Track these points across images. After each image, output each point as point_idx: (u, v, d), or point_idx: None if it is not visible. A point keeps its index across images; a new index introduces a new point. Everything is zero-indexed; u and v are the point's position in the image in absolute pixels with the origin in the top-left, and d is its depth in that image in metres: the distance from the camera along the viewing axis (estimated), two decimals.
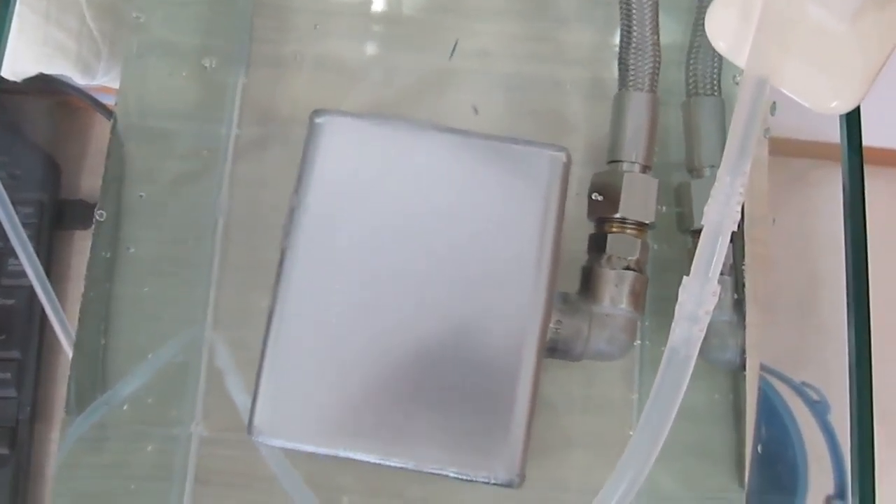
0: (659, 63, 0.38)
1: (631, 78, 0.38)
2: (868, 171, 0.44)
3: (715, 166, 0.38)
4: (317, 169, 0.35)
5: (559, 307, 0.36)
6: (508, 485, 0.33)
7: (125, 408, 0.39)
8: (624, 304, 0.36)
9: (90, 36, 0.38)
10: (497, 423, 0.33)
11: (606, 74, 0.44)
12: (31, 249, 0.40)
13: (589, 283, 0.37)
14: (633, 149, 0.37)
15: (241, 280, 0.43)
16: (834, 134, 0.38)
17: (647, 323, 0.41)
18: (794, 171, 0.47)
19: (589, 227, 0.39)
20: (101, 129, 0.49)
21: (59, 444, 0.36)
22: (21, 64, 0.37)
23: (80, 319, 0.36)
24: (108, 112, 0.44)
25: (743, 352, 0.36)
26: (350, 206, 0.35)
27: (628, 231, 0.37)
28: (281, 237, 0.34)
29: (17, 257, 0.39)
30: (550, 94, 0.44)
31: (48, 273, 0.41)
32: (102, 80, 0.40)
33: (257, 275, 0.41)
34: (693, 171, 0.39)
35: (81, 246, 0.48)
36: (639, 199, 0.37)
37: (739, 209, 0.24)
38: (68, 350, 0.39)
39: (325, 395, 0.33)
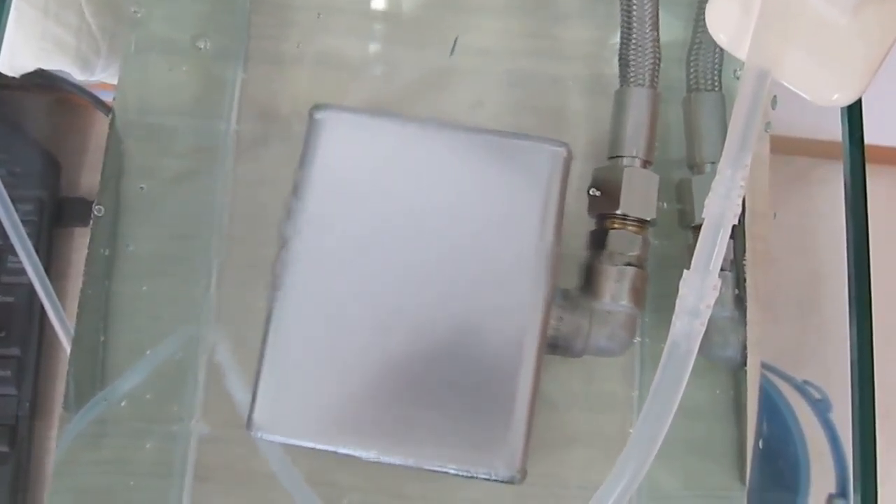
0: (659, 59, 0.38)
1: (632, 74, 0.38)
2: (869, 169, 0.44)
3: (716, 162, 0.37)
4: (316, 165, 0.35)
5: (560, 303, 0.36)
6: (509, 481, 0.33)
7: (124, 404, 0.39)
8: (625, 301, 0.36)
9: (89, 32, 0.38)
10: (498, 419, 0.33)
11: (607, 71, 0.44)
12: (31, 247, 0.40)
13: (589, 279, 0.37)
14: (634, 144, 0.37)
15: (242, 277, 0.42)
16: (835, 131, 0.38)
17: (647, 319, 0.41)
18: (796, 169, 0.46)
19: (589, 224, 0.39)
20: (101, 127, 0.49)
21: (57, 440, 0.36)
22: (19, 59, 0.37)
23: (78, 316, 0.36)
24: (108, 109, 0.44)
25: (744, 348, 0.36)
26: (349, 202, 0.34)
27: (629, 227, 0.37)
28: (280, 233, 0.34)
29: (16, 255, 0.39)
30: (551, 91, 0.44)
31: (48, 270, 0.41)
32: (101, 76, 0.40)
33: (258, 272, 0.41)
34: (694, 167, 0.39)
35: (81, 243, 0.48)
36: (639, 195, 0.36)
37: (740, 202, 0.24)
38: (68, 347, 0.39)
39: (324, 390, 0.33)
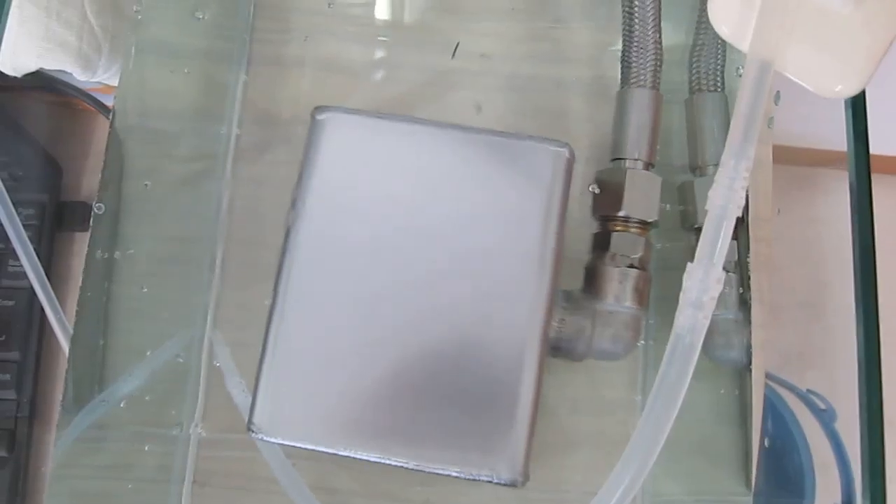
0: (661, 60, 0.38)
1: (633, 75, 0.38)
2: (873, 178, 0.44)
3: (718, 164, 0.37)
4: (318, 166, 0.35)
5: (562, 305, 0.36)
6: (512, 484, 0.32)
7: (123, 407, 0.39)
8: (628, 302, 0.36)
9: (91, 31, 0.38)
10: (500, 422, 0.33)
11: (608, 73, 0.44)
12: (32, 250, 0.40)
13: (592, 280, 0.37)
14: (636, 146, 0.37)
15: (243, 280, 0.42)
16: (837, 141, 0.38)
17: (651, 322, 0.41)
18: (799, 178, 0.46)
19: (592, 226, 0.39)
20: (103, 131, 0.49)
21: (55, 443, 0.35)
22: (21, 58, 0.37)
23: (77, 317, 0.36)
24: (110, 113, 0.44)
25: (749, 350, 0.36)
26: (352, 204, 0.34)
27: (632, 229, 0.37)
28: (283, 234, 0.34)
29: (17, 258, 0.39)
30: (552, 95, 0.44)
31: (48, 274, 0.40)
32: (103, 77, 0.40)
33: (258, 275, 0.41)
34: (696, 169, 0.39)
35: (82, 247, 0.47)
36: (642, 197, 0.36)
37: (744, 194, 0.24)
38: (67, 351, 0.38)
39: (325, 392, 0.33)
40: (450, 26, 0.44)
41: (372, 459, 0.32)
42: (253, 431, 0.32)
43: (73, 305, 0.38)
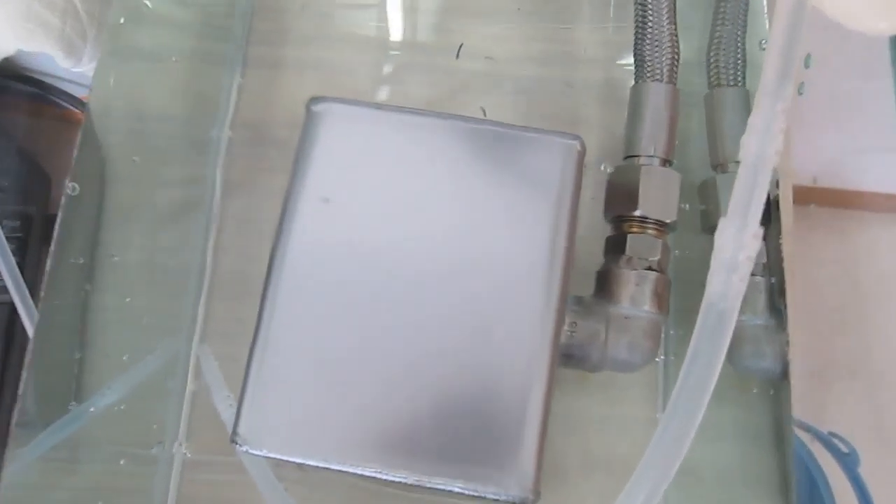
0: (678, 53, 0.36)
1: (648, 69, 0.36)
2: (880, 218, 0.43)
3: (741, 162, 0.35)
4: (313, 161, 0.32)
5: (573, 309, 0.33)
6: (521, 502, 0.29)
7: (98, 423, 0.36)
8: (646, 306, 0.33)
9: (76, 14, 0.36)
10: (509, 433, 0.30)
11: (618, 75, 0.42)
12: (14, 263, 0.38)
13: (606, 284, 0.34)
14: (652, 142, 0.35)
15: (233, 290, 0.40)
16: (866, 182, 0.36)
17: (671, 333, 0.38)
18: (813, 218, 0.45)
19: (605, 231, 0.36)
20: None
21: (4, 462, 0.31)
22: (1, 40, 0.35)
23: (40, 324, 0.33)
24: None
25: (784, 359, 0.33)
26: (349, 201, 0.32)
27: (649, 231, 0.34)
28: (274, 236, 0.32)
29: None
30: (561, 98, 0.42)
31: (34, 288, 0.38)
32: (87, 68, 0.38)
33: (249, 285, 0.38)
34: (718, 166, 0.36)
35: None
36: (659, 195, 0.34)
37: (781, 139, 0.21)
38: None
39: (317, 400, 0.30)
40: (454, 28, 0.43)
41: (367, 474, 0.29)
42: (237, 443, 0.30)
43: None
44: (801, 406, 0.37)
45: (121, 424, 0.36)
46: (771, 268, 0.34)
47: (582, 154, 0.32)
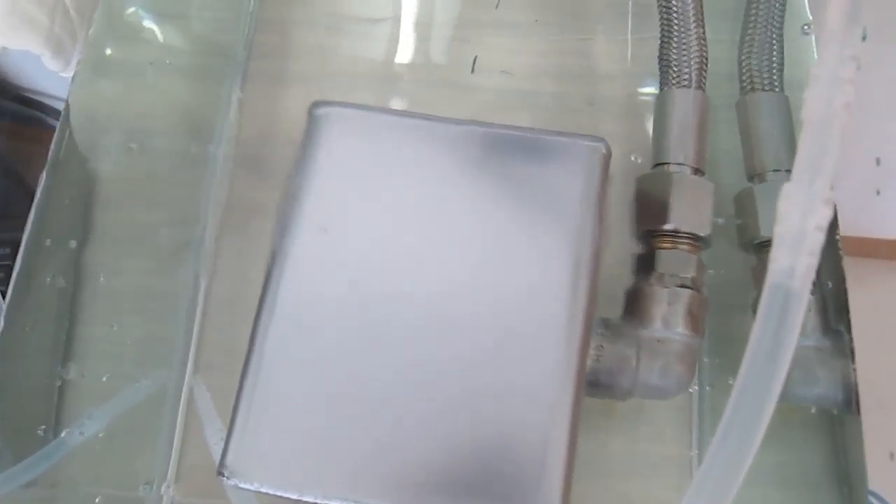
0: (706, 57, 0.33)
1: (674, 75, 0.33)
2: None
3: (780, 170, 0.32)
4: (315, 169, 0.30)
5: (599, 332, 0.30)
6: None
7: (78, 459, 0.32)
8: (680, 328, 0.30)
9: (65, 13, 0.34)
10: (529, 475, 0.26)
11: (642, 91, 0.39)
12: None
13: (635, 304, 0.31)
14: (681, 148, 0.32)
15: (229, 318, 0.37)
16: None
17: (705, 361, 0.35)
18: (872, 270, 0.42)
19: (630, 247, 0.33)
20: None
21: None
22: None
23: (2, 343, 0.30)
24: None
25: (843, 386, 0.29)
26: (353, 212, 0.29)
27: (681, 246, 0.31)
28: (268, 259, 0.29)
29: None
30: (581, 113, 0.40)
31: None
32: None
33: (247, 312, 0.36)
34: (755, 176, 0.33)
35: None
36: (691, 206, 0.31)
37: (851, 91, 0.18)
38: None
39: (313, 433, 0.27)
40: (467, 40, 0.41)
41: None
42: (224, 476, 0.26)
43: None
44: None
45: (103, 460, 0.33)
46: (822, 285, 0.31)
47: (607, 158, 0.30)
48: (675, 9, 0.33)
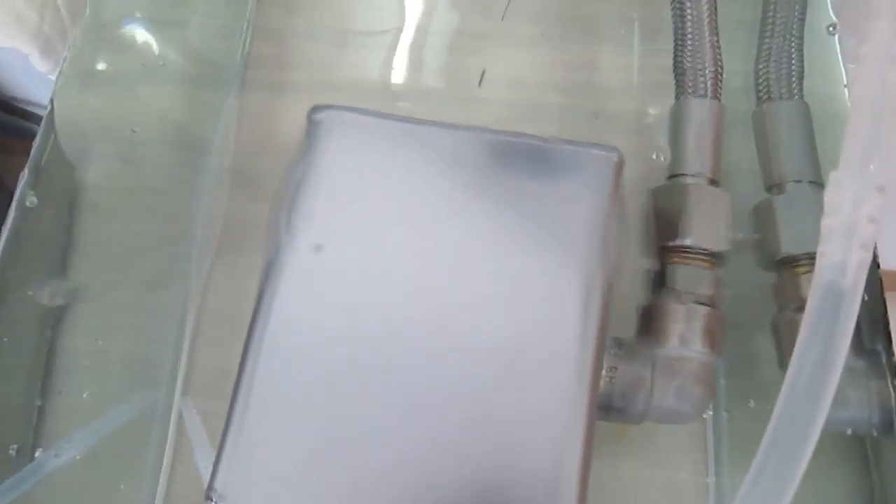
0: (721, 67, 0.32)
1: (689, 84, 0.32)
2: None
3: (801, 181, 0.31)
4: (315, 175, 0.28)
5: (612, 352, 0.28)
6: None
7: (56, 485, 0.30)
8: (697, 346, 0.28)
9: (56, 12, 0.32)
10: (539, 497, 0.24)
11: (652, 105, 0.38)
12: None
13: (650, 322, 0.29)
14: (698, 158, 0.31)
15: (221, 336, 0.35)
16: None
17: (721, 383, 0.33)
18: None
19: (641, 262, 0.32)
20: None
21: None
22: None
23: None
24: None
25: (879, 408, 0.27)
26: (353, 223, 0.28)
27: (698, 261, 0.30)
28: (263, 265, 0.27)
29: None
30: (589, 128, 0.38)
31: None
32: None
33: (242, 330, 0.34)
34: (773, 187, 0.32)
35: None
36: (708, 218, 0.30)
37: None
38: None
39: (306, 458, 0.25)
40: (472, 52, 0.39)
41: None
42: (213, 500, 0.24)
43: None
44: None
45: (83, 486, 0.31)
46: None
47: (620, 166, 0.28)
48: (689, 16, 0.32)
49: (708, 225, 0.30)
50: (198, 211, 0.36)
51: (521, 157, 0.28)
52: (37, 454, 0.30)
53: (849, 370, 0.28)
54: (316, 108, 0.29)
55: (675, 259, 0.30)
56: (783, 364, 0.30)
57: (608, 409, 0.28)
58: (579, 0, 0.40)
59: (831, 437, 0.31)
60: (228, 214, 0.37)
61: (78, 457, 0.31)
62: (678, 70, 0.32)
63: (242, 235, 0.37)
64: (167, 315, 0.35)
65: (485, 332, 0.26)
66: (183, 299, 0.35)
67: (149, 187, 0.37)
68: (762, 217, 0.31)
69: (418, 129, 0.29)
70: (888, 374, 0.27)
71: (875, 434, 0.28)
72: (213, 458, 0.31)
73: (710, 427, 0.33)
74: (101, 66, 0.36)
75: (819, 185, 0.30)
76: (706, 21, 0.32)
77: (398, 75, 0.39)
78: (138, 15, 0.37)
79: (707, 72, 0.32)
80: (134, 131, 0.36)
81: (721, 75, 0.32)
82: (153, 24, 0.37)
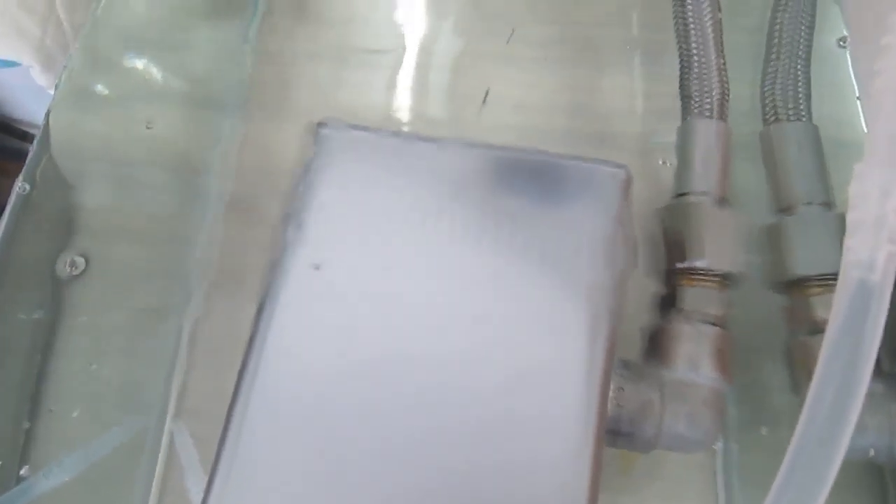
0: (727, 87, 0.32)
1: (695, 105, 0.32)
2: None
3: (812, 203, 0.30)
4: (319, 191, 0.28)
5: (618, 372, 0.27)
6: None
7: None
8: (707, 369, 0.27)
9: (58, 25, 0.32)
10: None
11: (657, 128, 0.38)
12: None
13: (657, 344, 0.29)
14: (705, 178, 0.30)
15: (216, 359, 0.34)
16: None
17: (730, 410, 0.32)
18: None
19: (647, 283, 0.31)
20: None
21: None
22: None
23: None
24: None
25: None
26: (356, 242, 0.27)
27: (706, 282, 0.29)
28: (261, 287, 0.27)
29: None
30: (595, 152, 0.38)
31: None
32: None
33: (237, 355, 0.33)
34: (785, 209, 0.31)
35: None
36: (718, 239, 0.29)
37: None
38: None
39: (299, 488, 0.24)
40: (478, 75, 0.39)
41: None
42: None
43: None
44: None
45: None
46: None
47: (628, 184, 0.27)
48: (693, 39, 0.32)
49: (720, 245, 0.29)
50: (195, 235, 0.36)
51: (527, 173, 0.28)
52: (22, 471, 0.29)
53: (867, 394, 0.27)
54: (321, 124, 0.29)
55: (685, 280, 0.29)
56: (797, 390, 0.29)
57: (616, 434, 0.27)
58: (583, 23, 0.40)
59: (846, 466, 0.30)
60: (226, 239, 0.36)
61: (67, 480, 0.29)
62: (684, 91, 0.32)
63: (240, 259, 0.36)
64: (161, 339, 0.34)
65: (489, 354, 0.25)
66: (178, 323, 0.34)
67: (146, 211, 0.36)
68: (772, 239, 0.31)
69: (423, 146, 0.28)
70: None
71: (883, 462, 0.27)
72: (204, 483, 0.30)
73: (719, 458, 0.32)
74: (99, 88, 0.35)
75: (830, 206, 0.30)
76: (711, 42, 0.32)
77: (400, 98, 0.39)
78: (139, 36, 0.37)
79: (713, 93, 0.31)
80: (131, 154, 0.35)
81: (727, 97, 0.32)
82: (154, 47, 0.37)
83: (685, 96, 0.32)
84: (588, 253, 0.27)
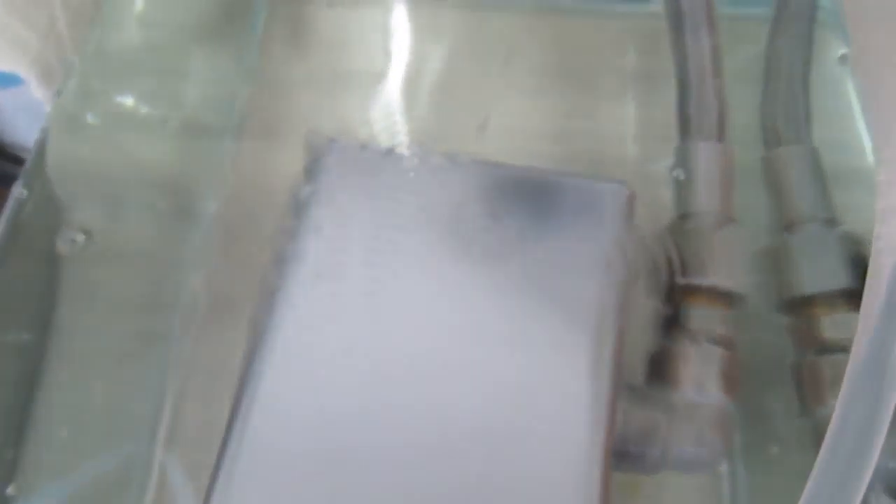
0: (726, 108, 0.32)
1: (694, 128, 0.32)
2: None
3: (818, 222, 0.30)
4: (316, 210, 0.27)
5: (623, 393, 0.27)
6: None
7: None
8: (714, 389, 0.27)
9: (58, 39, 0.32)
10: None
11: (655, 153, 0.38)
12: None
13: (661, 366, 0.28)
14: (708, 197, 0.30)
15: (211, 383, 0.33)
16: None
17: (737, 437, 0.31)
18: None
19: (649, 307, 0.31)
20: None
21: None
22: None
23: None
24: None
25: None
26: (354, 258, 0.27)
27: (713, 302, 0.28)
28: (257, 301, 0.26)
29: None
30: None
31: None
32: None
33: (232, 381, 0.32)
34: (790, 227, 0.31)
35: None
36: (722, 257, 0.29)
37: None
38: None
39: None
40: (474, 102, 0.39)
41: None
42: None
43: None
44: None
45: None
46: None
47: (632, 200, 0.27)
48: (690, 61, 0.32)
49: (727, 263, 0.29)
50: (189, 261, 0.35)
51: (527, 192, 0.28)
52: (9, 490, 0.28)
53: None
54: (318, 141, 0.29)
55: (691, 299, 0.29)
56: (806, 411, 0.28)
57: (622, 457, 0.26)
58: (579, 50, 0.40)
59: None
60: (220, 264, 0.36)
61: None
62: (682, 114, 0.32)
63: (233, 284, 0.35)
64: (151, 365, 0.33)
65: (491, 377, 0.25)
66: (169, 351, 0.33)
67: (138, 235, 0.36)
68: (776, 258, 0.30)
69: (421, 164, 0.28)
70: None
71: None
72: None
73: (726, 485, 0.31)
74: (89, 117, 0.35)
75: (834, 223, 0.30)
76: (708, 63, 0.32)
77: (396, 121, 0.39)
78: (134, 60, 0.37)
79: (712, 115, 0.31)
80: (123, 178, 0.35)
81: (726, 118, 0.32)
82: (149, 71, 0.37)
83: (683, 117, 0.32)
84: (590, 271, 0.26)
